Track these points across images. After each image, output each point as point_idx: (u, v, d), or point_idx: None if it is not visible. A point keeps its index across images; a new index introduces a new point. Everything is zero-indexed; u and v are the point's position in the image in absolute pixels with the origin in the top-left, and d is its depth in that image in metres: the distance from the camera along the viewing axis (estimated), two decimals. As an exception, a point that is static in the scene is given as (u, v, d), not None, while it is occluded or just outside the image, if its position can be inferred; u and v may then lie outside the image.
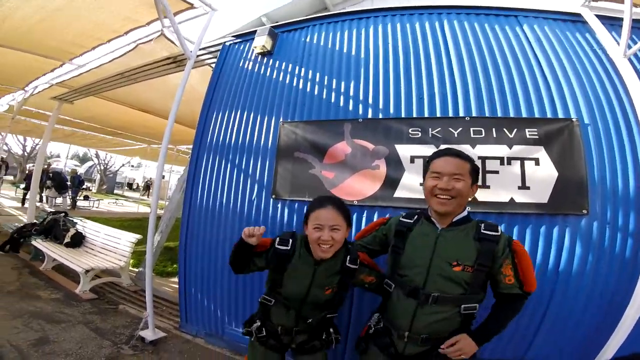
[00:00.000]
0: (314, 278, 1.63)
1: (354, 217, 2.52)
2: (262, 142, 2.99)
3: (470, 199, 1.58)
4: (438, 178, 1.50)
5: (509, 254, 1.45)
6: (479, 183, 2.22)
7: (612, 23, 2.58)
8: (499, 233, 1.47)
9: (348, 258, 1.64)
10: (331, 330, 1.79)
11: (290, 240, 1.66)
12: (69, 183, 11.39)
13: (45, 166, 11.41)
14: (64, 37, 3.91)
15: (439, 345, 1.45)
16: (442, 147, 2.33)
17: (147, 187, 23.85)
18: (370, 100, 2.74)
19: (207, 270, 3.03)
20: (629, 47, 2.33)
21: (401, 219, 1.69)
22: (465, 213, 1.56)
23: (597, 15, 2.64)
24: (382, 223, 1.83)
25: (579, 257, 2.09)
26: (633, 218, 2.08)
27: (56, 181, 10.59)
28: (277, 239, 1.68)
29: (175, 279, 4.14)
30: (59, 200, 11.11)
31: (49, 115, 6.83)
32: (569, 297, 2.10)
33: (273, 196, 2.80)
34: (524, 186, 2.19)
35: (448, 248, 1.49)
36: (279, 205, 2.78)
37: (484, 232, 1.46)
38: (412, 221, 1.64)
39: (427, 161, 1.62)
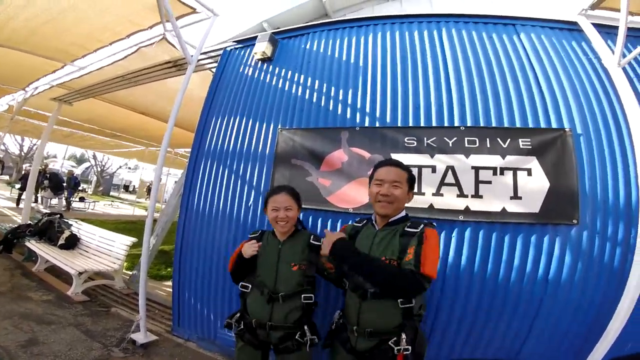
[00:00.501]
0: (280, 255, 1.90)
1: (349, 224, 2.55)
2: (259, 149, 3.00)
3: (407, 204, 1.74)
4: (380, 185, 1.69)
5: (417, 240, 1.53)
6: (475, 193, 2.29)
7: (609, 31, 2.60)
8: (418, 230, 1.57)
9: (312, 237, 1.95)
10: (306, 328, 1.80)
11: (260, 231, 2.08)
12: (65, 184, 11.34)
13: (42, 167, 11.37)
14: (67, 39, 3.92)
15: (385, 340, 1.53)
16: (437, 156, 2.39)
17: (150, 190, 23.85)
18: (367, 109, 2.77)
19: (202, 275, 3.02)
20: (624, 55, 2.35)
21: (354, 224, 1.91)
22: (402, 214, 1.73)
23: (593, 24, 2.66)
24: (345, 229, 1.99)
25: (569, 266, 2.12)
26: (622, 228, 2.12)
27: (53, 182, 10.54)
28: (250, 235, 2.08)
29: (169, 283, 4.13)
30: (54, 201, 11.05)
31: (47, 116, 6.83)
32: (559, 305, 2.12)
33: (270, 202, 2.81)
34: (516, 196, 2.23)
35: (379, 246, 1.64)
36: (276, 212, 2.78)
37: (407, 229, 1.59)
38: (361, 225, 1.85)
39: (372, 170, 1.81)
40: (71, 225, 5.07)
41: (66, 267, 3.87)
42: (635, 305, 1.95)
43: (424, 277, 1.45)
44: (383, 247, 1.62)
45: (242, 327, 1.87)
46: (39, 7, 3.30)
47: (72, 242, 4.72)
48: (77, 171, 22.33)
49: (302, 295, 1.83)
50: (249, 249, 1.91)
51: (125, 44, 4.09)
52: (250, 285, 1.90)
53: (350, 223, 1.98)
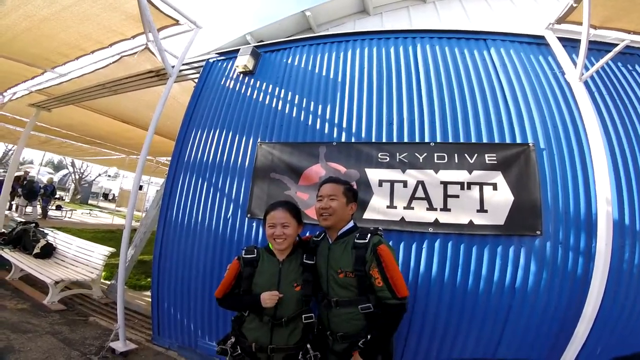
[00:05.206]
0: (280, 275, 1.80)
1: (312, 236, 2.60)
2: (239, 162, 3.04)
3: (351, 215, 1.88)
4: (321, 200, 1.84)
5: (373, 258, 1.65)
6: (444, 207, 2.40)
7: (574, 45, 2.68)
8: (367, 240, 1.69)
9: (305, 256, 1.88)
10: (309, 346, 1.79)
11: (255, 250, 1.89)
12: (40, 192, 10.97)
13: (22, 173, 11.04)
14: (49, 46, 3.89)
15: (356, 341, 1.64)
16: (408, 171, 2.50)
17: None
18: (344, 124, 2.85)
19: (181, 285, 3.03)
20: (587, 68, 2.45)
21: (314, 238, 2.03)
22: (349, 225, 1.85)
23: (559, 38, 2.75)
24: (309, 239, 2.09)
25: (534, 274, 2.23)
26: (583, 238, 2.25)
27: (27, 189, 10.23)
28: (243, 252, 1.88)
29: (149, 293, 4.09)
30: (29, 209, 10.69)
31: (25, 122, 6.67)
32: (526, 311, 2.22)
33: (248, 215, 2.84)
34: (482, 209, 2.34)
35: (334, 259, 1.78)
36: (254, 224, 2.83)
37: (356, 241, 1.72)
38: (319, 239, 1.96)
39: (317, 189, 1.93)
40: (47, 234, 4.97)
41: (42, 276, 3.81)
42: (600, 310, 2.07)
43: (403, 300, 1.62)
44: (337, 260, 1.75)
45: (239, 351, 1.76)
46: (20, 15, 3.28)
47: (48, 251, 4.63)
48: (55, 178, 21.61)
49: (303, 316, 1.80)
50: (270, 300, 1.70)
51: (107, 53, 4.09)
52: (247, 311, 1.81)
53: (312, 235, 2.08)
